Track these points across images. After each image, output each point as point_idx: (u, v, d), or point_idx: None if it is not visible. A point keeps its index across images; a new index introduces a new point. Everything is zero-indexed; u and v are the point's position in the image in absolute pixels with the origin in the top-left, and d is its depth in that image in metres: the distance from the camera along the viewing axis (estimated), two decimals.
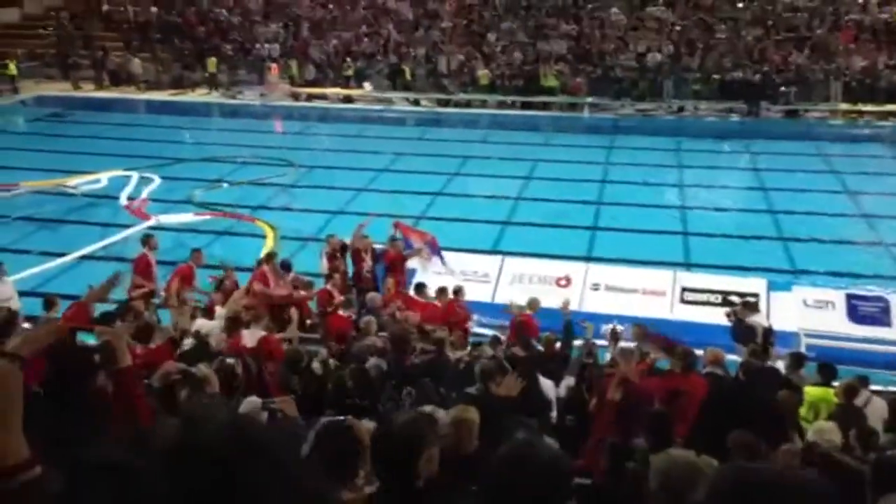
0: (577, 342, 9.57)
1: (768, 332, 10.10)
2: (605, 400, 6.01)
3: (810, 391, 8.15)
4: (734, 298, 12.35)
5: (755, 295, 12.37)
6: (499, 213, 17.52)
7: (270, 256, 12.16)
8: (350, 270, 12.53)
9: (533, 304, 10.61)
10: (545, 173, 20.80)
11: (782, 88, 27.77)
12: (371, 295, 10.93)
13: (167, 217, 16.96)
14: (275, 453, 0.83)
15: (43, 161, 21.14)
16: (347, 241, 12.69)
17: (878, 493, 2.85)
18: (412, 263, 12.85)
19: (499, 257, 13.82)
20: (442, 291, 11.29)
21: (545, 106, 29.29)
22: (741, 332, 9.71)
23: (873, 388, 8.58)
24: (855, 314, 12.04)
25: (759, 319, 10.33)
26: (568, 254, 14.63)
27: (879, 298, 12.29)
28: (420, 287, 11.57)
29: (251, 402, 5.54)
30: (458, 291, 11.28)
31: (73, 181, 19.49)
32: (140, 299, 10.69)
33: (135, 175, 19.81)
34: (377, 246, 12.83)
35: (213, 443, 0.80)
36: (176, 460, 0.78)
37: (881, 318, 11.90)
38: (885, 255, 15.16)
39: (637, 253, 14.75)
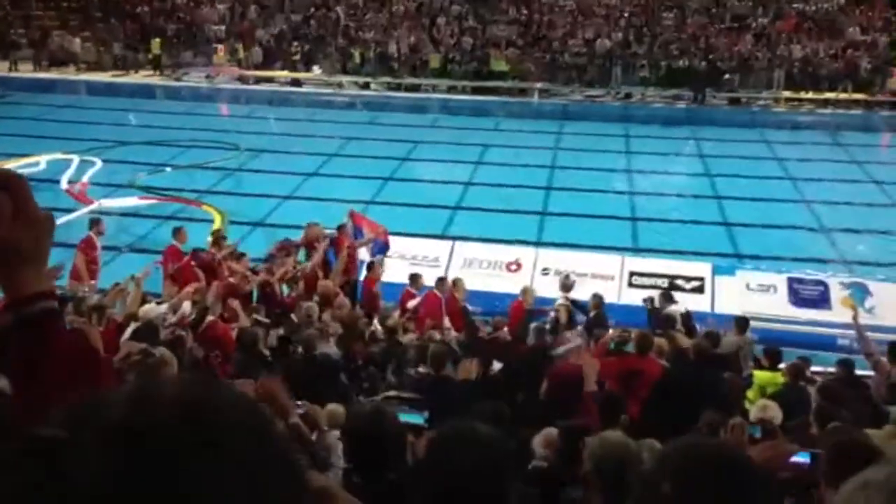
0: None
1: (687, 316, 10.33)
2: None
3: (759, 375, 8.39)
4: (680, 282, 12.60)
5: (700, 279, 12.64)
6: (449, 198, 17.49)
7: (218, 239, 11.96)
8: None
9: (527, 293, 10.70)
10: (495, 158, 20.84)
11: (727, 76, 28.26)
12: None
13: (110, 201, 16.57)
14: (233, 438, 0.77)
15: None
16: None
17: (835, 474, 2.90)
18: (361, 253, 12.75)
19: (449, 242, 13.82)
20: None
21: (495, 91, 29.33)
22: (658, 321, 9.92)
23: (813, 369, 8.84)
24: (796, 297, 12.36)
25: (676, 308, 10.52)
26: (518, 238, 14.70)
27: (819, 282, 12.63)
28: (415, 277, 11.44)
29: None
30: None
31: (11, 164, 18.86)
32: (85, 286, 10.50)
33: (75, 158, 19.27)
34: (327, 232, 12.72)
35: (163, 418, 0.75)
36: (117, 437, 0.73)
37: (821, 302, 12.24)
38: (825, 240, 15.56)
39: (586, 238, 14.90)
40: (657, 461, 1.39)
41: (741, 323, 9.66)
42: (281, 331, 8.30)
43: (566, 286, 10.94)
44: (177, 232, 11.82)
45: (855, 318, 8.88)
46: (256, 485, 0.75)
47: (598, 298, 10.61)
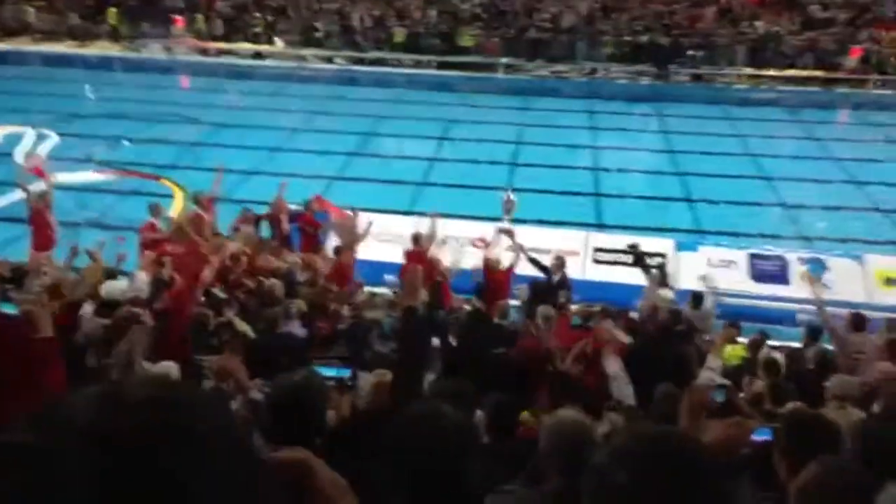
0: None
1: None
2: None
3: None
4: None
5: (663, 255, 12.78)
6: (414, 174, 17.43)
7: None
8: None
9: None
10: (460, 133, 20.78)
11: (690, 52, 28.41)
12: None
13: (67, 176, 16.22)
14: (208, 435, 0.77)
15: None
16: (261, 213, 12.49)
17: (794, 452, 2.93)
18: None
19: (414, 218, 13.78)
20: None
21: (460, 66, 29.16)
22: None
23: (771, 343, 9.02)
24: (756, 273, 12.58)
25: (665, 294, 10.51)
26: (483, 215, 14.70)
27: (779, 258, 12.86)
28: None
29: (167, 367, 5.43)
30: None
31: None
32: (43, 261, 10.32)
33: (30, 131, 18.82)
34: (291, 207, 12.66)
35: (135, 420, 0.74)
36: (91, 441, 0.71)
37: (780, 277, 12.48)
38: (785, 216, 15.81)
39: (550, 213, 14.94)
40: (612, 451, 1.37)
41: (696, 298, 9.85)
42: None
43: (508, 210, 11.08)
44: (154, 208, 11.63)
45: (815, 290, 9.02)
46: (228, 476, 0.76)
47: (560, 260, 10.72)
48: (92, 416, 0.73)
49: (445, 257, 11.20)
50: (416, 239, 11.26)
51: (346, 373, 4.10)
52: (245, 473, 0.78)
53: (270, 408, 3.16)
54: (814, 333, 8.49)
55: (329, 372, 4.09)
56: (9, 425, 0.74)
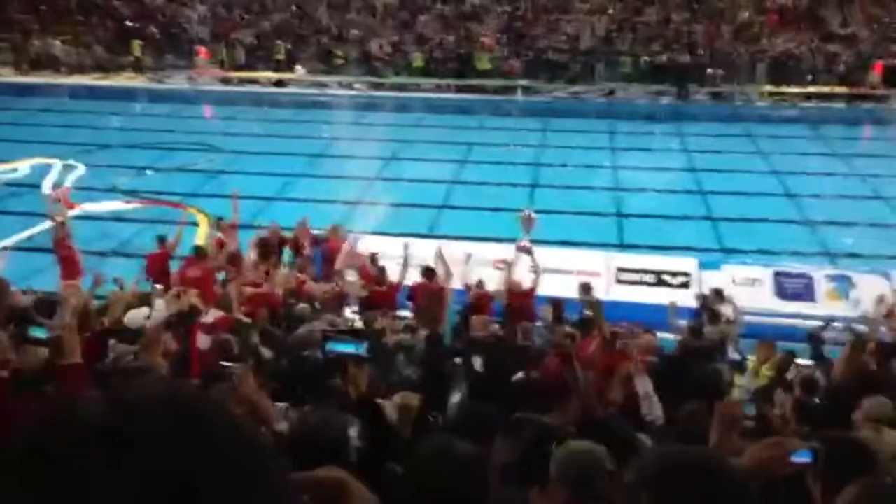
0: None
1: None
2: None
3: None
4: (667, 278, 12.65)
5: (686, 274, 12.68)
6: (435, 197, 17.47)
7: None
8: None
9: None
10: (480, 156, 20.83)
11: (709, 71, 28.37)
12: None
13: (93, 205, 16.43)
14: (218, 433, 0.76)
15: None
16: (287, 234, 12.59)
17: (829, 475, 2.86)
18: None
19: (435, 241, 13.80)
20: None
21: (479, 89, 29.29)
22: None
23: (800, 361, 8.89)
24: (782, 290, 12.44)
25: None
26: (504, 236, 14.67)
27: (804, 275, 12.72)
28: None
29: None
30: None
31: None
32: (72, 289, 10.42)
33: (58, 163, 19.12)
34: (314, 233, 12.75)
35: (145, 417, 0.74)
36: (101, 440, 0.71)
37: (806, 294, 12.33)
38: (810, 233, 15.65)
39: (572, 235, 14.90)
40: (637, 470, 1.36)
41: (712, 314, 9.77)
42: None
43: (527, 227, 11.06)
44: (161, 240, 11.76)
45: None
46: (241, 478, 0.75)
47: (585, 287, 10.72)
48: (100, 414, 0.73)
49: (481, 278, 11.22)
50: (428, 272, 11.16)
51: (361, 349, 4.07)
52: (259, 471, 0.77)
53: (292, 447, 3.16)
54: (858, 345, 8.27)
55: (345, 348, 4.08)
56: (19, 429, 0.75)
